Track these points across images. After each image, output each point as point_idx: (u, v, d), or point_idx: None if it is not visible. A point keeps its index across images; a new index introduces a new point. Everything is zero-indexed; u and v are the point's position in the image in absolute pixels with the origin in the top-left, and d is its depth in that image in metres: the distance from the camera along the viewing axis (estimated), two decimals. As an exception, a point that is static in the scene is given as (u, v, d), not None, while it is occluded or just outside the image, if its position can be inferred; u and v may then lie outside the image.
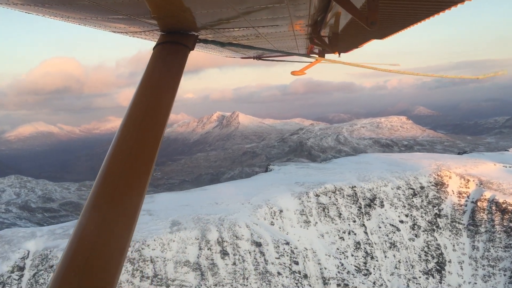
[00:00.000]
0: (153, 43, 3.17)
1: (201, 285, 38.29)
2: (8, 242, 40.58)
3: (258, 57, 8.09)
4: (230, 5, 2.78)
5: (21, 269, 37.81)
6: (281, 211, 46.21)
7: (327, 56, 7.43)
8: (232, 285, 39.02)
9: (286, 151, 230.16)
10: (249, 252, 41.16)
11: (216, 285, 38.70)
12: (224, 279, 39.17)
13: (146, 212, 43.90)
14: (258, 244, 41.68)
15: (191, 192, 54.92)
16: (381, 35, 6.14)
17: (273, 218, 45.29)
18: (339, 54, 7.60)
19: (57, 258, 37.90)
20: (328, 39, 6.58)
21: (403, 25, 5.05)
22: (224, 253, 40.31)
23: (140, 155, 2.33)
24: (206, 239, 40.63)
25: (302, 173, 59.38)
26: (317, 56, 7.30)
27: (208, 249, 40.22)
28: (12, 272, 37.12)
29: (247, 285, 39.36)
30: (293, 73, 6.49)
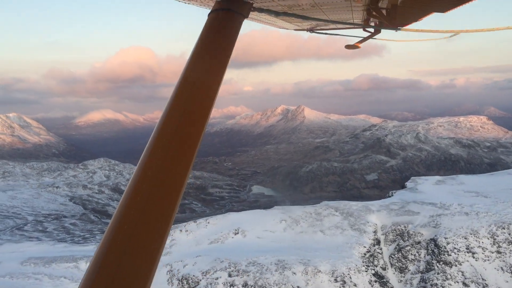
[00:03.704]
0: (208, 11, 3.11)
1: None
2: (350, 214, 40.20)
3: (312, 30, 7.67)
4: None
5: (378, 242, 37.00)
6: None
7: (384, 31, 6.84)
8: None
9: (361, 147, 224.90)
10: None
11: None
12: None
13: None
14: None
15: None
16: (443, 8, 5.41)
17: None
18: (396, 29, 6.64)
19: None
20: (386, 11, 5.85)
21: None
22: None
23: (187, 130, 2.26)
24: None
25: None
26: (373, 30, 6.86)
27: None
28: (375, 245, 36.26)
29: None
30: (347, 46, 6.53)
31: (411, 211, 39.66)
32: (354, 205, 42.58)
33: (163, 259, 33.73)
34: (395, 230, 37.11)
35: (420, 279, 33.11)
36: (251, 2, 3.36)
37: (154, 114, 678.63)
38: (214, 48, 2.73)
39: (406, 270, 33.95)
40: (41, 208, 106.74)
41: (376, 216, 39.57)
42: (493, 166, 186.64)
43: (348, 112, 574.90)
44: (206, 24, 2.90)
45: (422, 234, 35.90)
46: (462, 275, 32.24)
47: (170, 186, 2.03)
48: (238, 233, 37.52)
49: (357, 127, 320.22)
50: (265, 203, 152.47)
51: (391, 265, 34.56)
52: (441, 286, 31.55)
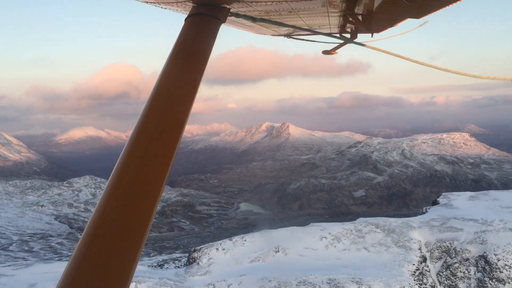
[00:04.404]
0: (184, 16, 3.10)
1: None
2: (392, 231, 39.19)
3: (289, 35, 7.81)
4: None
5: (425, 259, 35.94)
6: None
7: (360, 36, 7.18)
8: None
9: (347, 164, 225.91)
10: None
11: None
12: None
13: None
14: None
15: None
16: (418, 13, 5.88)
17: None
18: (372, 35, 7.34)
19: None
20: (362, 17, 6.11)
21: (442, 2, 4.78)
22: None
23: (165, 134, 2.23)
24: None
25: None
26: (349, 35, 7.09)
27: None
28: (422, 262, 35.17)
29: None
30: (324, 52, 6.61)
31: (454, 228, 39.11)
32: (394, 221, 41.91)
33: (204, 279, 32.75)
34: (440, 247, 36.49)
35: (473, 297, 32.66)
36: (228, 7, 3.32)
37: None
38: (191, 53, 2.70)
39: (456, 288, 33.44)
40: (26, 227, 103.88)
41: (418, 232, 38.91)
42: (477, 182, 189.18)
43: (332, 129, 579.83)
44: (182, 29, 2.88)
45: (469, 251, 35.40)
46: (517, 292, 32.11)
47: (146, 194, 2.00)
48: (278, 251, 36.39)
49: (341, 144, 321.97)
50: (255, 221, 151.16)
51: (440, 283, 33.89)
52: (497, 304, 31.21)
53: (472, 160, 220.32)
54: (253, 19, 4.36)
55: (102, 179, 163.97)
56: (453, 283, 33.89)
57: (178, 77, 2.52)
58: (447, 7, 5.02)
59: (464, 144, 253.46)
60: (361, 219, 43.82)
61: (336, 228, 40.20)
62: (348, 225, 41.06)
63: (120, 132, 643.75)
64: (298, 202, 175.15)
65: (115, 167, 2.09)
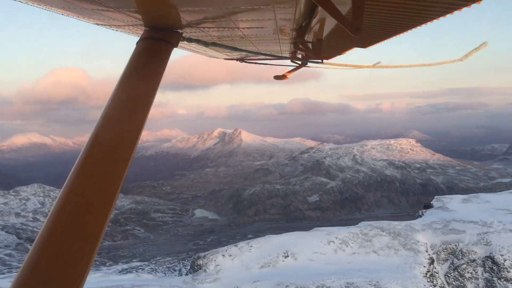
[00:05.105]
0: (136, 38, 3.10)
1: None
2: (398, 234, 39.14)
3: (242, 59, 7.97)
4: (216, 4, 2.79)
5: (433, 261, 36.18)
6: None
7: (310, 61, 7.65)
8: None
9: (300, 169, 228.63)
10: None
11: None
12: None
13: None
14: None
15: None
16: (364, 43, 6.26)
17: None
18: (322, 61, 7.69)
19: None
20: (312, 45, 6.56)
21: (386, 34, 5.22)
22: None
23: (116, 153, 2.27)
24: None
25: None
26: (300, 61, 7.53)
27: None
28: (431, 264, 35.17)
29: None
30: (276, 77, 6.73)
31: (456, 230, 40.20)
32: (397, 224, 42.57)
33: (213, 286, 32.06)
34: (446, 249, 37.42)
35: (482, 296, 33.53)
36: (180, 32, 3.33)
37: (84, 138, 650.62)
38: (142, 77, 2.67)
39: (465, 288, 34.33)
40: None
41: (423, 235, 39.67)
42: (425, 186, 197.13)
43: (283, 135, 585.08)
44: (134, 52, 2.85)
45: (475, 252, 36.48)
46: (525, 291, 33.22)
47: (99, 204, 2.01)
48: (288, 256, 35.95)
49: (293, 149, 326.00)
50: (211, 227, 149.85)
51: (448, 284, 34.70)
52: (507, 303, 32.18)
53: (418, 165, 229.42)
54: (206, 44, 4.36)
55: (52, 187, 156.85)
56: (462, 284, 35.03)
57: (128, 101, 2.49)
58: (390, 38, 5.30)
59: (410, 150, 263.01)
60: (364, 222, 44.55)
61: (342, 232, 40.45)
62: (354, 229, 41.42)
63: (66, 138, 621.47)
64: (254, 208, 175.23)
65: (68, 176, 2.08)
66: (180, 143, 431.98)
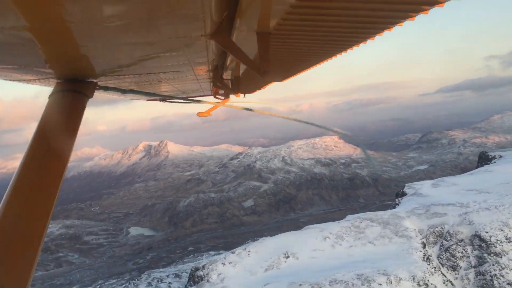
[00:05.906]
0: (50, 89, 3.04)
1: None
2: (387, 223, 39.75)
3: (164, 99, 7.76)
4: (127, 52, 2.71)
5: (424, 245, 36.88)
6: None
7: (233, 97, 7.92)
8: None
9: (232, 176, 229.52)
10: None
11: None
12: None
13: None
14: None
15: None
16: (281, 78, 6.55)
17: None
18: (244, 95, 8.18)
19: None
20: (230, 82, 6.93)
21: (298, 70, 5.54)
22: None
23: (33, 212, 2.24)
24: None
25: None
26: (222, 97, 7.88)
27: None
28: (423, 247, 35.79)
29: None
30: (199, 114, 6.56)
31: (438, 213, 41.93)
32: (383, 214, 43.81)
33: None
34: (433, 232, 39.26)
35: (476, 273, 35.39)
36: (95, 81, 3.19)
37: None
38: (57, 132, 2.60)
39: (458, 267, 36.06)
40: None
41: (409, 221, 41.25)
42: (352, 180, 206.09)
43: (210, 143, 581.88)
44: (47, 106, 2.74)
45: (462, 232, 38.37)
46: (514, 263, 35.29)
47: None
48: (288, 256, 36.06)
49: (222, 157, 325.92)
50: (148, 244, 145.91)
51: (442, 265, 36.34)
52: (500, 275, 34.16)
53: (343, 161, 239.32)
54: (123, 91, 4.23)
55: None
56: (455, 263, 36.89)
57: (44, 160, 2.43)
58: (304, 72, 5.51)
59: (334, 147, 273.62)
60: (351, 215, 45.45)
61: (334, 227, 41.15)
62: (344, 223, 42.35)
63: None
64: (191, 219, 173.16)
65: None
66: (103, 161, 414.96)
